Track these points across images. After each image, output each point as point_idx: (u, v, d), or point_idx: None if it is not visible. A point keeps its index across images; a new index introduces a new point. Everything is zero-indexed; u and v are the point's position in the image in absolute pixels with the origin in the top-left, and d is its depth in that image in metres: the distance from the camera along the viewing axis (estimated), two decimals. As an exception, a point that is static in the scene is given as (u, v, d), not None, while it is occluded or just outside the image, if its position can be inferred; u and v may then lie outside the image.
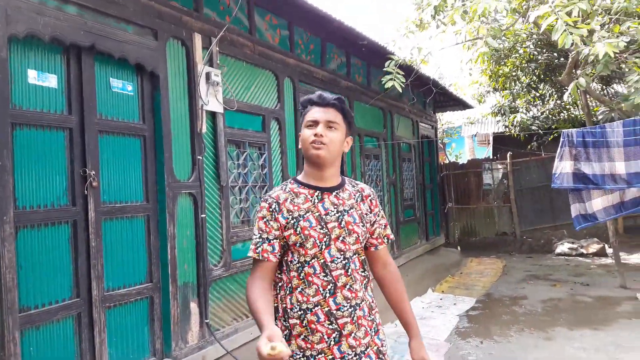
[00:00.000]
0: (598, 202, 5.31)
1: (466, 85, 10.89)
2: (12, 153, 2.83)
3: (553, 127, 10.43)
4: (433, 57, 6.64)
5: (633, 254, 9.98)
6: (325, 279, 1.82)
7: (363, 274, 1.93)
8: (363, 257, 1.95)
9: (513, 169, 11.32)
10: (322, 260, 1.82)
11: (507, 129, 10.67)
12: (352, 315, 1.83)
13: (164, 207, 3.83)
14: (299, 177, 1.96)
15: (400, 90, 5.70)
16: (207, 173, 4.27)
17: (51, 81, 3.15)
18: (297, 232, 1.81)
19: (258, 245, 1.85)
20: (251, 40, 4.89)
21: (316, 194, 1.88)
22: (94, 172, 3.31)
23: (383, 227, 2.03)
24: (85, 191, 3.27)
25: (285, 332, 1.84)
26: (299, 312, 1.82)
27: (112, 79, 3.54)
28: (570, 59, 7.18)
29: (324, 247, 1.82)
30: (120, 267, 3.53)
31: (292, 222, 1.83)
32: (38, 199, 3.04)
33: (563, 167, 5.26)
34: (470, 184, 11.94)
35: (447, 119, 16.58)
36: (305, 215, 1.83)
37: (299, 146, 1.94)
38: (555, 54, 8.89)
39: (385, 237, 2.04)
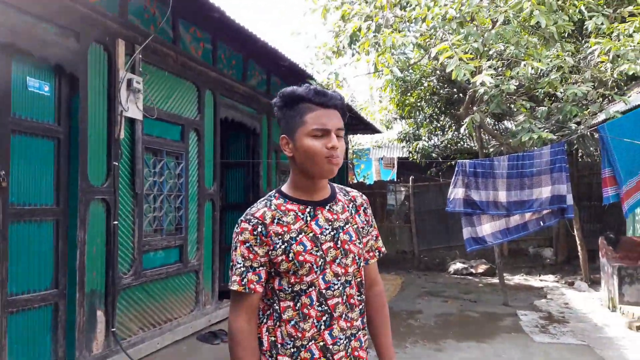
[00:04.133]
0: (487, 227, 5.96)
1: (376, 111, 11.56)
2: None
3: (451, 156, 11.36)
4: (347, 83, 7.06)
5: (515, 275, 11.03)
6: (320, 309, 1.55)
7: (359, 298, 1.65)
8: (360, 279, 1.66)
9: (414, 192, 12.08)
10: (317, 289, 1.55)
11: (411, 155, 11.44)
12: (347, 348, 1.59)
13: (75, 212, 3.76)
14: (284, 189, 1.63)
15: None
16: (122, 180, 4.24)
17: (-36, 75, 3.03)
18: (290, 259, 1.52)
19: (243, 275, 1.52)
20: (174, 51, 4.94)
21: (307, 210, 1.57)
22: (3, 172, 3.20)
23: (374, 238, 1.76)
24: (-7, 191, 3.16)
25: None
26: (292, 350, 1.55)
27: (29, 77, 3.46)
28: (468, 96, 7.96)
29: (319, 272, 1.54)
30: (26, 271, 3.41)
31: (282, 246, 1.52)
32: (-60, 197, 2.90)
33: (456, 193, 5.86)
34: (376, 203, 12.53)
35: (357, 140, 17.36)
36: (297, 238, 1.53)
37: (287, 154, 1.59)
38: (455, 90, 9.79)
39: (376, 250, 1.77)
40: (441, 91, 9.74)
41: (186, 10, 4.93)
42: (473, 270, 11.03)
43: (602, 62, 6.80)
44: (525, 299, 8.52)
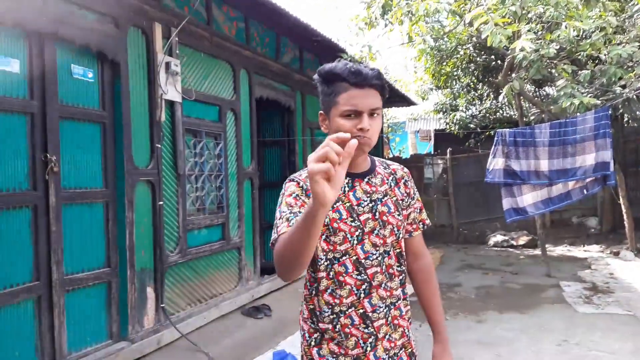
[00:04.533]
0: (528, 197, 5.85)
1: (411, 82, 11.36)
2: (-27, 136, 2.85)
3: (489, 125, 11.11)
4: (381, 55, 6.95)
5: (558, 246, 10.83)
6: (359, 277, 1.58)
7: (399, 268, 1.68)
8: (399, 250, 1.68)
9: (452, 165, 11.93)
10: (354, 257, 1.58)
11: (448, 126, 11.25)
12: (387, 316, 1.63)
13: (123, 194, 3.90)
14: None
15: None
16: (165, 161, 4.36)
17: (13, 66, 3.15)
18: (325, 224, 1.54)
19: (290, 220, 1.47)
20: (209, 32, 4.98)
21: (346, 181, 1.59)
22: (54, 158, 3.34)
23: (418, 211, 1.77)
24: (46, 176, 3.31)
25: (316, 335, 1.66)
26: (331, 316, 1.60)
27: (73, 65, 3.57)
28: (506, 63, 7.72)
29: (356, 242, 1.57)
30: (80, 251, 3.58)
31: None
32: (0, 183, 3.05)
33: (495, 163, 5.76)
34: (413, 177, 12.40)
35: (392, 114, 17.16)
36: (334, 205, 1.56)
37: (324, 131, 1.63)
38: (493, 57, 9.50)
39: (420, 222, 1.78)
40: (478, 59, 9.46)
41: (218, -10, 4.95)
42: (514, 242, 10.89)
43: (649, 21, 6.47)
44: (568, 270, 8.38)
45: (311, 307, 1.65)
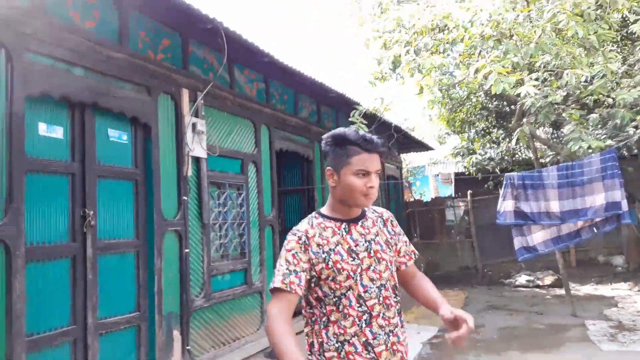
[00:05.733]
0: (538, 236, 6.00)
1: (428, 127, 11.69)
2: (23, 196, 3.26)
3: (508, 168, 11.27)
4: (395, 104, 7.34)
5: (584, 285, 10.68)
6: (360, 309, 1.82)
7: (395, 299, 1.92)
8: (394, 283, 1.95)
9: (473, 206, 12.03)
10: (356, 292, 1.83)
11: (466, 169, 11.46)
12: (387, 342, 1.84)
13: (152, 243, 4.26)
14: (323, 211, 1.95)
15: None
16: (191, 212, 4.73)
17: (58, 132, 3.61)
18: (330, 266, 1.81)
19: (285, 276, 1.77)
20: (231, 93, 5.45)
21: (343, 226, 1.89)
22: (92, 212, 3.74)
23: (406, 244, 2.07)
24: (84, 229, 3.69)
25: None
26: (337, 345, 1.82)
27: (110, 129, 4.02)
28: (517, 108, 8.00)
29: (357, 278, 1.83)
30: (112, 297, 3.92)
31: (323, 256, 1.82)
32: (44, 236, 3.45)
33: (506, 205, 5.96)
34: (435, 220, 12.57)
35: (412, 159, 17.46)
36: (335, 249, 1.84)
37: (331, 184, 1.91)
38: (505, 103, 9.79)
39: (411, 253, 2.07)
40: (490, 105, 9.78)
41: (240, 57, 5.44)
42: (539, 282, 10.79)
43: (655, 64, 6.70)
44: (594, 309, 8.29)
45: (320, 340, 1.84)
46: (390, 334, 1.86)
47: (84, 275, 3.67)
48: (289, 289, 1.76)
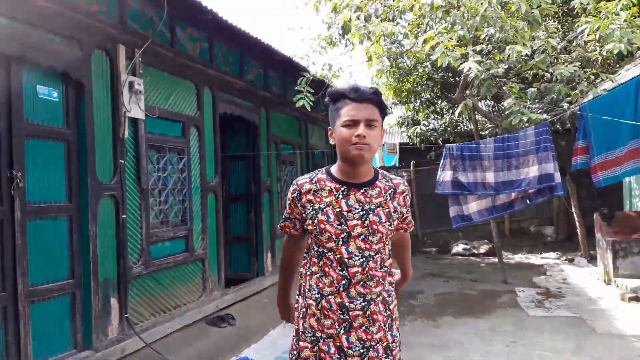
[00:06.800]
0: (473, 205, 6.23)
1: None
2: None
3: (450, 139, 11.56)
4: (344, 71, 7.31)
5: (517, 254, 11.26)
6: (341, 273, 1.83)
7: (382, 270, 1.89)
8: (384, 257, 1.92)
9: (416, 176, 12.31)
10: (338, 256, 1.83)
11: (410, 139, 11.68)
12: (365, 310, 1.84)
13: (87, 208, 4.06)
14: (332, 169, 1.93)
15: (309, 109, 6.26)
16: (128, 176, 4.53)
17: (-21, 87, 3.32)
18: (314, 224, 1.84)
19: (282, 221, 2.02)
20: (172, 52, 5.20)
21: (342, 189, 1.86)
22: (20, 174, 3.50)
23: (409, 218, 2.08)
24: (12, 192, 3.46)
25: (303, 310, 1.92)
26: (316, 296, 1.87)
27: (39, 85, 3.74)
28: (461, 80, 8.14)
29: (340, 243, 1.83)
30: (44, 263, 3.72)
31: (310, 213, 1.86)
32: (-35, 199, 3.20)
33: (444, 175, 6.13)
34: (378, 189, 12.78)
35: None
36: (324, 209, 1.84)
37: (332, 142, 1.91)
38: (450, 74, 9.96)
39: (411, 222, 2.11)
40: (436, 76, 9.93)
41: (182, 13, 5.18)
42: (475, 251, 11.28)
43: (592, 41, 6.96)
44: (524, 277, 8.77)
45: (303, 283, 1.95)
46: (371, 302, 1.85)
47: (12, 239, 3.46)
48: (283, 232, 2.02)
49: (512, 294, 7.59)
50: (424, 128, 11.29)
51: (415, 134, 11.13)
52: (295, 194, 1.91)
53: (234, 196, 7.39)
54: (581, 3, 6.27)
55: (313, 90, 6.26)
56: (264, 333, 5.70)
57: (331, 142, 1.91)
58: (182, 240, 5.33)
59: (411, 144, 11.61)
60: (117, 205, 4.36)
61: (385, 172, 2.01)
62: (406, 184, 2.01)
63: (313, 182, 1.89)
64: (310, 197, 1.87)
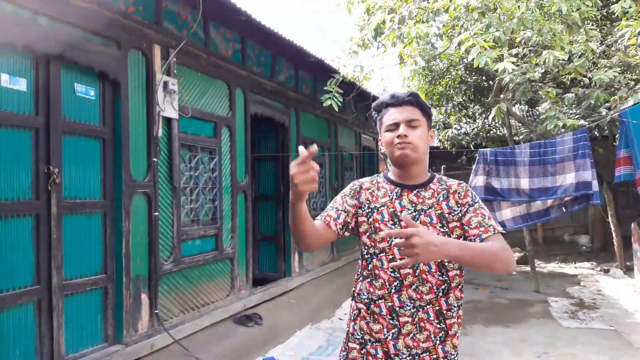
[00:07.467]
0: (507, 212, 6.09)
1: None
2: (-18, 149, 3.09)
3: (482, 143, 11.37)
4: (375, 74, 7.25)
5: (550, 263, 11.01)
6: (392, 275, 1.82)
7: (440, 277, 1.81)
8: (442, 261, 1.79)
9: (447, 181, 12.10)
10: (390, 256, 1.83)
11: (441, 143, 11.53)
12: (414, 316, 1.81)
13: (120, 205, 4.13)
14: (389, 173, 1.98)
15: (337, 109, 6.24)
16: (161, 174, 4.59)
17: (21, 85, 3.41)
18: (370, 222, 1.86)
19: (326, 211, 1.91)
20: (206, 52, 5.26)
21: (395, 190, 1.89)
22: (57, 170, 3.58)
23: (485, 217, 1.81)
24: (49, 187, 3.54)
25: (355, 312, 1.94)
26: (366, 300, 1.88)
27: (76, 84, 3.83)
28: (495, 84, 8.00)
29: (393, 243, 1.73)
30: (78, 258, 3.81)
31: (366, 210, 1.88)
32: (5, 192, 3.29)
33: (477, 181, 6.01)
34: (407, 192, 12.65)
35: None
36: (380, 208, 1.87)
37: (382, 150, 1.95)
38: (484, 77, 9.79)
39: (490, 226, 1.78)
40: (469, 79, 9.77)
41: (216, 14, 5.23)
42: (506, 258, 11.02)
43: (633, 45, 6.73)
44: (557, 286, 8.56)
45: (353, 289, 1.97)
46: (420, 309, 1.80)
47: (48, 234, 3.54)
48: (322, 219, 1.87)
49: (545, 303, 7.41)
50: (455, 132, 11.13)
51: (446, 138, 10.98)
52: (355, 187, 1.94)
53: (263, 196, 7.42)
54: (622, 7, 6.07)
55: (342, 91, 6.24)
56: (291, 334, 5.70)
57: (382, 150, 1.96)
58: (212, 239, 5.37)
59: (442, 147, 11.47)
60: (149, 202, 4.43)
61: (444, 177, 1.97)
62: (463, 183, 1.92)
63: (373, 182, 1.95)
64: (368, 194, 1.91)
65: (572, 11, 5.53)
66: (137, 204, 4.30)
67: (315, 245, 1.82)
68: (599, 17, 7.68)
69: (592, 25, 7.83)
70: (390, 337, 1.82)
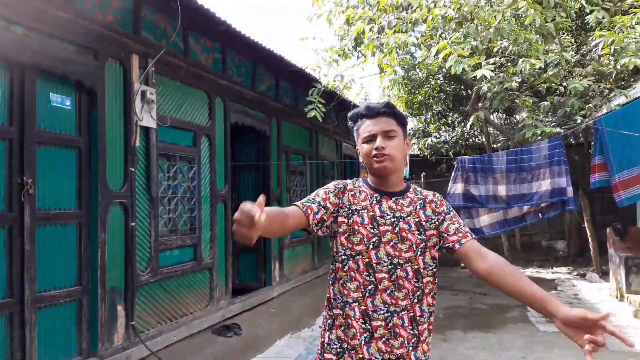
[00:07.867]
0: (485, 219, 6.17)
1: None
2: (-47, 160, 3.03)
3: (461, 151, 11.50)
4: (355, 83, 7.32)
5: (528, 268, 11.13)
6: (368, 278, 1.83)
7: (416, 284, 1.84)
8: (417, 267, 1.84)
9: (425, 189, 12.19)
10: (367, 260, 1.83)
11: (421, 151, 11.64)
12: (388, 321, 1.81)
13: (96, 215, 4.08)
14: (368, 178, 1.99)
15: (320, 120, 6.27)
16: (138, 184, 4.55)
17: (-6, 94, 3.36)
18: (349, 224, 1.85)
19: (306, 202, 1.84)
20: (185, 62, 5.24)
21: (375, 195, 1.90)
22: (30, 180, 3.53)
23: (460, 224, 1.89)
24: (22, 198, 3.49)
25: (329, 321, 1.90)
26: (341, 304, 1.86)
27: (52, 93, 3.78)
28: (474, 93, 8.12)
29: (371, 247, 1.83)
30: (52, 270, 3.74)
31: (347, 212, 1.87)
32: (-24, 204, 3.23)
33: (455, 188, 6.08)
34: (388, 200, 12.70)
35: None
36: (360, 211, 1.87)
37: (360, 160, 1.98)
38: (462, 86, 9.93)
39: (467, 233, 1.87)
40: (448, 88, 9.91)
41: (196, 24, 5.22)
42: (486, 264, 11.12)
43: (606, 54, 6.89)
44: (535, 291, 8.65)
45: (327, 295, 1.92)
46: (395, 315, 1.80)
47: (21, 246, 3.48)
48: (302, 208, 1.80)
49: (523, 308, 7.48)
50: (434, 140, 11.25)
51: (426, 146, 11.09)
52: (340, 186, 1.92)
53: (243, 205, 7.38)
54: (596, 17, 6.22)
55: (324, 101, 6.27)
56: (270, 343, 5.67)
57: (360, 160, 1.98)
58: (191, 249, 5.33)
59: (422, 155, 11.57)
60: (126, 213, 4.38)
61: (417, 187, 2.02)
62: (437, 194, 2.00)
63: (355, 185, 1.95)
64: (350, 196, 1.90)
65: (547, 22, 5.65)
66: (113, 215, 4.25)
67: (285, 234, 1.84)
68: (573, 27, 7.85)
69: (567, 35, 8.01)
70: (363, 342, 1.81)
